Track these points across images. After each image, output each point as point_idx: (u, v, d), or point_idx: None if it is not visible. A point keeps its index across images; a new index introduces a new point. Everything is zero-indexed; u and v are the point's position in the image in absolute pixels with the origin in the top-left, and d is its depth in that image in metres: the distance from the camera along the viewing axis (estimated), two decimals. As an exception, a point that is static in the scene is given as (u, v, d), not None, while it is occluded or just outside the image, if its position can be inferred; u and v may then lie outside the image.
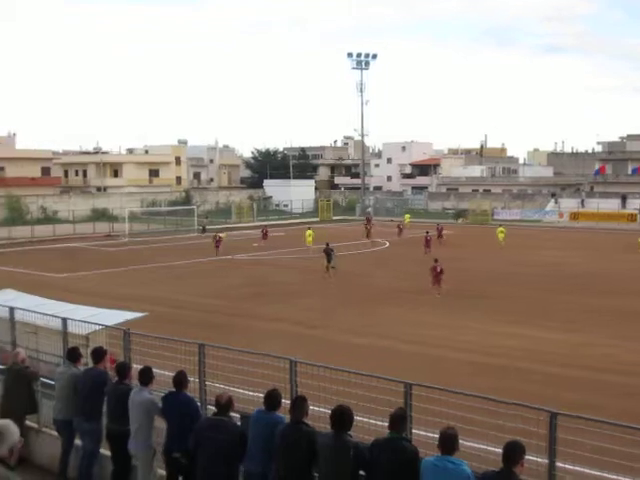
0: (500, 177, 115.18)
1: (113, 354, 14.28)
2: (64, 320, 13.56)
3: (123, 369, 10.69)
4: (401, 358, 22.05)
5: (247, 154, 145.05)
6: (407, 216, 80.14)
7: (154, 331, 13.79)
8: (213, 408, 9.26)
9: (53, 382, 12.02)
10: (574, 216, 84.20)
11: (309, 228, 56.49)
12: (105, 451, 11.20)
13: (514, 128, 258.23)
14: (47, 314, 14.50)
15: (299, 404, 8.51)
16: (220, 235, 55.27)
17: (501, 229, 59.14)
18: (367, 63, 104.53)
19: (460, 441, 7.44)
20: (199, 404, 10.68)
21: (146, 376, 10.14)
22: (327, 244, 42.65)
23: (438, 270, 34.61)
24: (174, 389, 9.83)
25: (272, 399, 8.76)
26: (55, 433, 12.14)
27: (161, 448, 10.03)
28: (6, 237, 64.21)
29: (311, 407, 8.65)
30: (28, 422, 12.64)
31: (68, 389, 11.25)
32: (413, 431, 8.47)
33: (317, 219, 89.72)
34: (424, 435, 8.79)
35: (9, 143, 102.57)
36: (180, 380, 9.77)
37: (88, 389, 10.91)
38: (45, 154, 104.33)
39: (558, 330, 26.43)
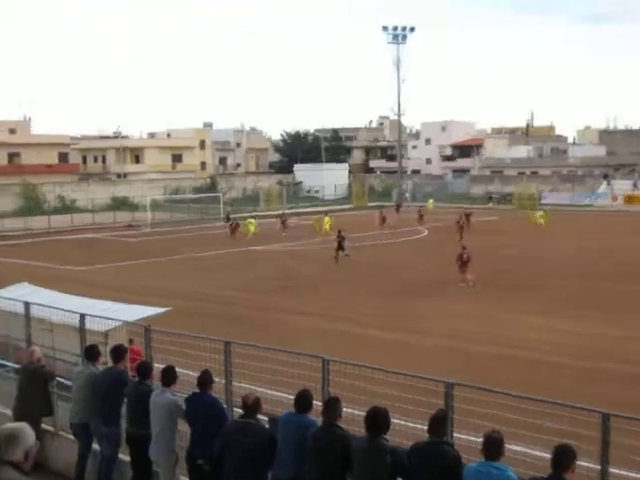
0: (548, 158, 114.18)
1: (135, 346, 14.35)
2: (82, 316, 13.65)
3: (144, 369, 10.71)
4: (434, 354, 21.92)
5: (276, 137, 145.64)
6: (430, 202, 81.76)
7: (177, 327, 13.86)
8: (240, 410, 9.25)
9: (70, 383, 12.09)
10: (628, 199, 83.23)
11: (326, 214, 58.33)
12: (124, 456, 11.24)
13: (563, 105, 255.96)
14: (64, 310, 14.59)
15: (332, 405, 8.48)
16: (237, 222, 57.20)
17: (541, 213, 61.43)
18: (404, 37, 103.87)
19: (505, 445, 7.35)
20: (225, 406, 10.70)
21: (169, 376, 10.15)
22: (339, 231, 43.86)
23: (465, 258, 34.73)
24: (198, 390, 9.83)
25: (303, 400, 8.73)
26: (72, 437, 12.23)
27: (184, 453, 10.04)
28: (22, 228, 64.97)
29: (344, 409, 8.61)
30: (44, 425, 12.74)
31: (86, 390, 11.29)
32: (454, 435, 8.40)
33: (351, 205, 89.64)
34: (466, 439, 8.72)
35: (25, 128, 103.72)
36: (205, 380, 9.76)
37: (106, 390, 10.96)
38: (62, 139, 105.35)
39: (602, 321, 26.12)
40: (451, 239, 50.09)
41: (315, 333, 24.80)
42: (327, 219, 55.75)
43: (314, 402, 8.92)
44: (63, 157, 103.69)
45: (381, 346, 22.98)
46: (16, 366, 14.29)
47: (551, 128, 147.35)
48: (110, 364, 11.59)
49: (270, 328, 25.48)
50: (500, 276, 36.33)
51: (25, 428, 5.43)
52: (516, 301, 30.26)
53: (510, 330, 25.13)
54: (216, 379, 10.48)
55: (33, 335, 15.06)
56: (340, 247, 42.51)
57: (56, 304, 15.43)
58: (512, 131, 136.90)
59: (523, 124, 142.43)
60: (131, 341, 15.24)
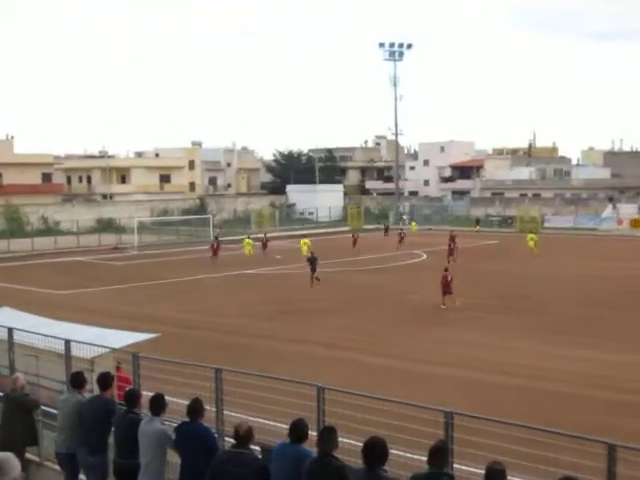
0: (551, 180, 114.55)
1: (123, 373, 14.35)
2: (67, 342, 13.66)
3: (132, 396, 10.72)
4: (443, 384, 21.98)
5: (268, 157, 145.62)
6: (414, 224, 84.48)
7: (166, 354, 13.87)
8: (231, 440, 9.26)
9: (55, 411, 12.08)
10: (635, 223, 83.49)
11: (304, 236, 61.45)
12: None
13: (566, 125, 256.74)
14: (48, 335, 14.60)
15: (328, 435, 8.48)
16: (219, 243, 58.72)
17: (531, 236, 61.73)
18: (401, 54, 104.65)
19: (508, 477, 7.38)
20: (216, 435, 10.70)
21: (157, 405, 10.15)
22: (312, 253, 47.02)
23: (449, 279, 36.24)
24: (188, 419, 9.83)
25: (298, 430, 8.73)
26: (57, 467, 12.19)
27: (174, 485, 10.03)
28: (4, 250, 64.94)
29: (341, 439, 8.63)
30: (28, 455, 12.71)
31: (72, 419, 11.28)
32: (455, 466, 8.43)
33: (346, 228, 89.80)
34: (467, 470, 8.75)
35: (7, 147, 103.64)
36: (195, 408, 9.76)
37: (93, 419, 10.95)
38: (46, 159, 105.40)
39: (618, 351, 26.19)
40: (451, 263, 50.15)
41: (312, 361, 24.81)
42: (304, 241, 57.82)
43: (309, 432, 8.93)
44: (47, 177, 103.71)
45: (383, 374, 23.03)
46: (-1, 394, 14.26)
47: (554, 149, 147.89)
48: (96, 392, 11.59)
49: (263, 355, 25.48)
50: (514, 304, 36.36)
51: (11, 458, 5.46)
52: (532, 329, 30.30)
53: (530, 360, 25.17)
54: (207, 407, 10.50)
55: (16, 361, 15.05)
56: (313, 269, 44.11)
57: (40, 329, 15.43)
58: (514, 152, 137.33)
59: (525, 144, 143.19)
60: (118, 367, 15.25)
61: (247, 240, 61.93)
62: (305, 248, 55.81)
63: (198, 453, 9.54)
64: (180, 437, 9.80)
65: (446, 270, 37.35)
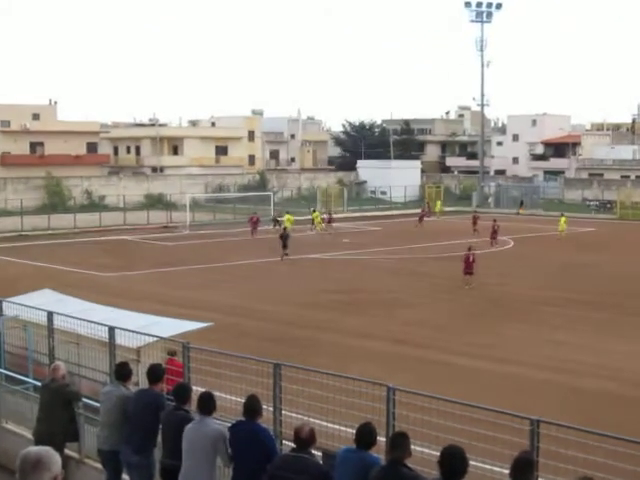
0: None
1: (177, 359, 14.49)
2: (111, 329, 13.88)
3: (183, 391, 10.82)
4: (529, 388, 21.86)
5: (336, 128, 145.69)
6: (438, 203, 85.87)
7: (219, 345, 14.01)
8: (290, 443, 9.31)
9: (98, 404, 12.27)
10: None
11: (314, 210, 66.84)
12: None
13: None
14: (91, 321, 14.85)
15: (399, 442, 8.45)
16: (257, 216, 63.89)
17: (563, 219, 62.55)
18: (489, 15, 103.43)
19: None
20: (274, 437, 10.77)
21: (207, 404, 10.14)
22: (285, 228, 52.00)
23: (471, 259, 39.26)
24: (244, 418, 9.86)
25: (365, 435, 8.73)
26: (99, 465, 12.42)
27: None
28: (44, 227, 66.04)
29: (413, 446, 8.62)
30: (68, 451, 12.95)
31: (115, 413, 11.47)
32: (540, 480, 8.37)
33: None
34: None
35: (49, 113, 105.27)
36: (253, 407, 9.71)
37: (140, 415, 11.11)
38: (91, 127, 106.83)
39: None
40: (544, 251, 49.74)
41: (380, 358, 24.85)
42: (315, 214, 65.03)
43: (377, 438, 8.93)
44: (92, 147, 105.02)
45: (460, 375, 22.96)
46: (37, 383, 14.54)
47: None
48: (142, 385, 11.73)
49: (327, 350, 25.56)
50: (613, 300, 35.83)
51: (52, 453, 5.56)
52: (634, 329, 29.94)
53: (629, 363, 24.88)
54: (264, 406, 10.57)
55: (56, 349, 15.34)
56: (284, 245, 48.62)
57: (83, 315, 15.72)
58: (615, 127, 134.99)
59: (629, 119, 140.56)
60: (172, 353, 15.40)
61: (315, 213, 65.82)
62: (288, 224, 58.94)
63: (254, 456, 9.57)
64: (235, 438, 9.81)
65: (469, 249, 40.37)
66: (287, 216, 62.10)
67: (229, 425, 10.07)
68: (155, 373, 11.36)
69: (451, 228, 64.72)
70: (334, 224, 67.33)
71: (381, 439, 8.97)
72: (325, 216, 68.45)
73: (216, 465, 10.22)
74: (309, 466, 8.80)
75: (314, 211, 67.47)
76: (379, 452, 8.74)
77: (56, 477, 5.48)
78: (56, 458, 5.53)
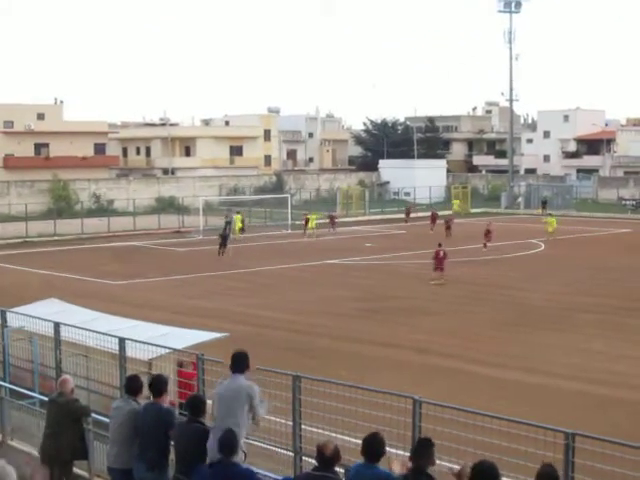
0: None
1: (186, 369, 14.52)
2: (121, 340, 13.94)
3: (197, 403, 10.86)
4: (563, 399, 21.81)
5: (357, 126, 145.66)
6: (456, 202, 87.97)
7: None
8: (310, 459, 9.32)
9: (108, 420, 12.30)
10: None
11: (311, 213, 67.84)
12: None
13: None
14: (101, 332, 14.91)
15: (424, 449, 8.46)
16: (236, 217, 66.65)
17: (549, 220, 63.91)
18: (518, 4, 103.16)
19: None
20: (292, 453, 10.79)
21: (239, 363, 10.25)
22: (225, 229, 58.40)
23: (441, 255, 41.60)
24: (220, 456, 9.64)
25: (372, 447, 8.71)
26: (110, 484, 12.44)
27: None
28: (50, 233, 66.26)
29: (441, 462, 8.63)
30: (77, 469, 12.99)
31: (126, 429, 11.48)
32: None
33: (449, 212, 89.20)
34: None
35: (55, 113, 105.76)
36: (231, 444, 9.56)
37: (150, 430, 11.14)
38: (99, 127, 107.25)
39: None
40: (576, 254, 49.66)
41: (406, 368, 24.85)
42: (313, 216, 66.36)
43: (394, 450, 8.92)
44: (100, 148, 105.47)
45: (489, 386, 22.98)
46: (43, 398, 14.59)
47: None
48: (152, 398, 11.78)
49: (349, 361, 25.57)
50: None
51: (6, 467, 5.61)
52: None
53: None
54: (282, 420, 10.59)
55: (64, 362, 15.41)
56: (223, 243, 53.87)
57: (91, 325, 15.79)
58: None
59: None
60: (181, 364, 15.46)
61: (313, 216, 67.18)
62: (313, 224, 64.91)
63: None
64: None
65: (440, 246, 42.70)
66: (237, 216, 66.15)
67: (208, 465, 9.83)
68: (157, 385, 11.39)
69: (479, 230, 64.47)
70: (337, 228, 69.10)
71: (397, 452, 8.96)
72: (328, 215, 71.20)
73: (247, 416, 10.42)
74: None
75: (310, 214, 68.42)
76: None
77: None
78: (10, 472, 5.56)
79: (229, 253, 53.50)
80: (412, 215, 77.31)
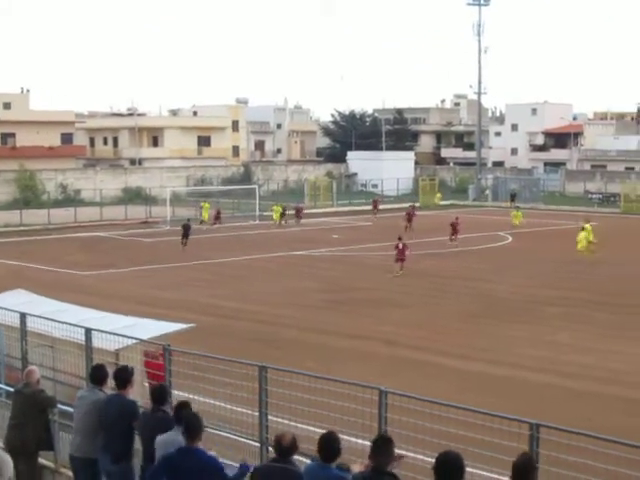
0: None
1: (150, 354, 14.50)
2: (88, 331, 13.90)
3: (161, 393, 10.87)
4: (528, 391, 21.94)
5: (325, 117, 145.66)
6: (438, 196, 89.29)
7: (201, 348, 14.04)
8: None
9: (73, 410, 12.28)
10: None
11: (276, 204, 69.49)
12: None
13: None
14: (67, 323, 14.86)
15: (383, 447, 8.46)
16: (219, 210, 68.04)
17: (516, 213, 65.84)
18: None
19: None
20: (258, 444, 10.82)
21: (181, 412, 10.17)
22: (188, 219, 57.28)
23: (400, 247, 42.22)
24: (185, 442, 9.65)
25: (328, 446, 8.64)
26: (74, 474, 12.42)
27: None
28: (17, 223, 65.88)
29: (407, 452, 8.65)
30: (42, 460, 12.95)
31: (91, 419, 11.47)
32: (540, 487, 8.40)
33: (416, 204, 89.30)
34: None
35: (21, 102, 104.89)
36: (195, 427, 9.61)
37: (114, 421, 11.14)
38: (66, 117, 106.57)
39: None
40: (543, 247, 49.89)
41: (372, 360, 24.91)
42: (277, 208, 67.45)
43: (362, 443, 8.94)
44: (66, 138, 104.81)
45: (455, 378, 23.06)
46: (9, 389, 14.53)
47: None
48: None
49: (315, 352, 25.61)
50: (620, 300, 35.82)
51: (3, 456, 5.59)
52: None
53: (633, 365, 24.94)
54: (248, 411, 10.61)
55: (30, 352, 15.35)
56: (185, 235, 53.32)
57: (58, 316, 15.72)
58: (619, 117, 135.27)
59: (633, 109, 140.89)
60: (147, 354, 15.41)
61: (276, 207, 68.46)
62: (277, 215, 66.90)
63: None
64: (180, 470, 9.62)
65: (399, 239, 43.36)
66: (205, 204, 68.00)
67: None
68: (122, 377, 11.36)
69: (443, 222, 64.67)
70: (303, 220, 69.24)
71: (362, 443, 8.98)
72: (294, 207, 71.06)
73: None
74: (291, 476, 8.77)
75: (278, 205, 69.71)
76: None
77: None
78: (8, 460, 5.55)
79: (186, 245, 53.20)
80: (380, 207, 76.68)
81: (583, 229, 48.91)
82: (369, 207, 77.99)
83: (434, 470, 7.80)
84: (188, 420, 9.65)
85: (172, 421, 10.24)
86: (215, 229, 64.05)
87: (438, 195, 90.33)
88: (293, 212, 69.87)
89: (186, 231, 53.81)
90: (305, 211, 72.21)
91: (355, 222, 70.84)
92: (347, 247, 53.54)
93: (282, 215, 67.57)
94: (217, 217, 67.37)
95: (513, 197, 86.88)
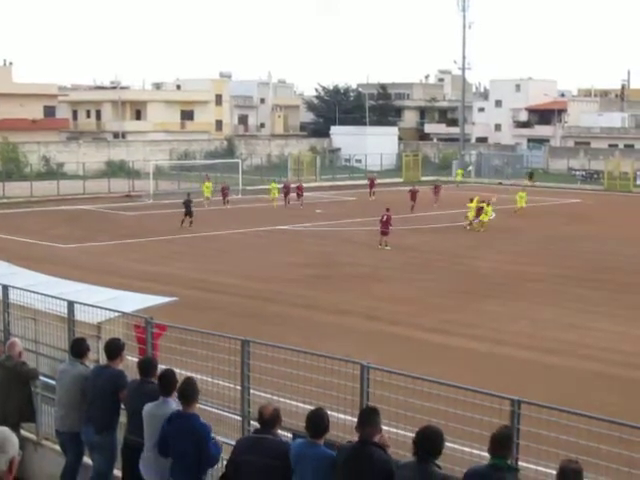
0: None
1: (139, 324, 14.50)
2: (70, 304, 13.84)
3: (148, 365, 10.85)
4: (510, 367, 22.05)
5: (309, 92, 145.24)
6: (460, 171, 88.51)
7: (185, 322, 14.00)
8: (256, 423, 9.37)
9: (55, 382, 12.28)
10: None
11: (274, 181, 67.28)
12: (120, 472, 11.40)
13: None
14: (49, 295, 14.80)
15: (370, 418, 8.46)
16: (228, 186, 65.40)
17: (521, 194, 60.79)
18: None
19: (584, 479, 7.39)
20: (240, 418, 10.83)
21: (169, 383, 10.18)
22: (188, 194, 53.28)
23: (384, 219, 42.51)
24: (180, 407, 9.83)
25: (317, 423, 8.68)
26: (58, 447, 12.44)
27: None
28: (-1, 195, 65.70)
29: (388, 427, 8.67)
30: (24, 432, 12.95)
31: (73, 393, 11.49)
32: (520, 463, 8.45)
33: (400, 179, 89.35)
34: (535, 470, 8.77)
35: (4, 75, 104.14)
36: (189, 393, 9.76)
37: (99, 393, 11.14)
38: (49, 89, 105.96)
39: None
40: (528, 224, 50.08)
41: (355, 334, 24.95)
42: (273, 184, 65.39)
43: (347, 418, 8.96)
44: (49, 111, 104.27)
45: (438, 354, 23.15)
46: (-9, 361, 14.49)
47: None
48: (102, 362, 11.75)
49: (298, 327, 25.66)
50: (602, 276, 35.91)
51: (9, 434, 5.56)
52: (623, 307, 30.00)
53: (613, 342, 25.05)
54: (230, 384, 10.59)
55: (12, 325, 15.29)
56: (188, 213, 50.39)
57: (40, 289, 15.65)
58: (603, 94, 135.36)
59: (617, 86, 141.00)
60: (137, 327, 15.39)
61: (273, 184, 66.13)
62: (276, 193, 63.72)
63: (191, 451, 9.61)
64: (172, 432, 9.76)
65: (387, 210, 43.24)
66: (206, 183, 64.82)
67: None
68: (113, 349, 11.35)
69: (426, 198, 64.79)
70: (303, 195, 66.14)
71: (348, 418, 9.00)
72: (283, 184, 67.45)
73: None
74: (272, 446, 8.83)
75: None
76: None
77: (13, 459, 5.49)
78: (13, 439, 5.53)
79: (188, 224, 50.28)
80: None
81: (488, 205, 51.20)
82: (353, 182, 77.64)
83: (414, 443, 7.85)
84: (184, 385, 9.75)
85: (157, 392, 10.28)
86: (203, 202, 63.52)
87: (460, 171, 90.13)
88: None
89: (188, 208, 50.45)
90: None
91: (339, 197, 70.80)
92: (331, 222, 53.56)
93: (285, 194, 63.89)
94: (224, 194, 63.19)
95: (531, 176, 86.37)
